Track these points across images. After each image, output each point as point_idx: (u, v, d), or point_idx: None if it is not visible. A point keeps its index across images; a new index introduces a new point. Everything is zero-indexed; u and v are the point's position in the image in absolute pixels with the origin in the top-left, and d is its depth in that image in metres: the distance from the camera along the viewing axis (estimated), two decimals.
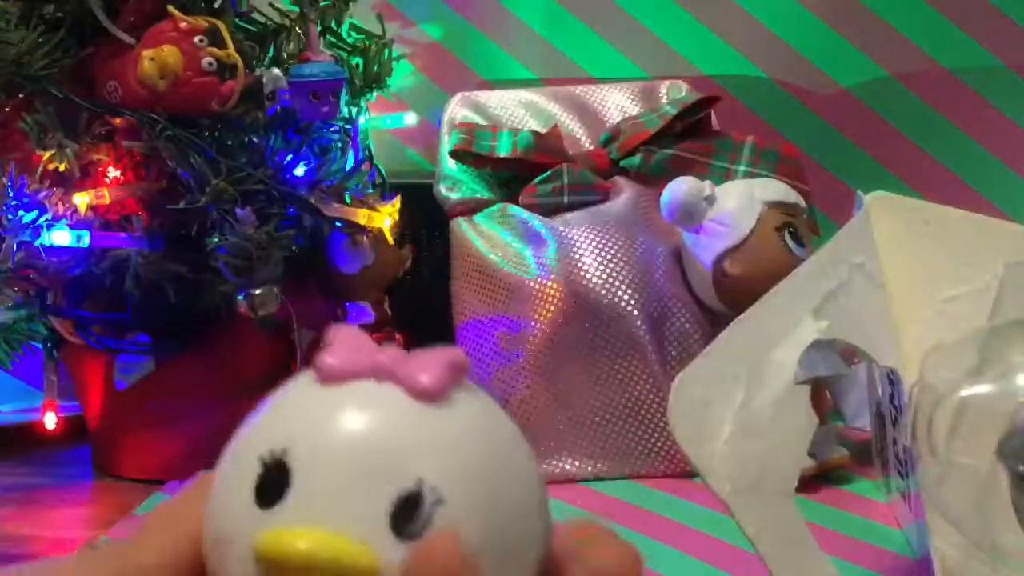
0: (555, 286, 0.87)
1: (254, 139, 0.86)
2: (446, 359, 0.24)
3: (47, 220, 0.81)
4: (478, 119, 1.01)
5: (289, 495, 0.22)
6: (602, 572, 0.24)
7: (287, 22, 0.94)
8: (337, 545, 0.21)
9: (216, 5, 0.89)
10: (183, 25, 0.82)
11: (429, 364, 0.23)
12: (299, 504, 0.22)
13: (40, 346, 0.91)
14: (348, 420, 0.23)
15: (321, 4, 0.95)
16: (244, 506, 0.23)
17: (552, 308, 0.87)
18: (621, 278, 0.87)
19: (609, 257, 0.87)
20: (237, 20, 0.90)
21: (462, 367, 0.24)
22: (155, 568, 0.25)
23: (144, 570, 0.25)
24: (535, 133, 0.96)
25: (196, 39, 0.81)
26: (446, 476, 0.22)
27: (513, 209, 0.93)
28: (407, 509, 0.22)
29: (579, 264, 0.87)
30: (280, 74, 0.87)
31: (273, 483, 0.22)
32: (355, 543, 0.22)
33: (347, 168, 0.93)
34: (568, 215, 0.91)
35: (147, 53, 0.81)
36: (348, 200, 0.88)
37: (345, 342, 0.24)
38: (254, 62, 0.90)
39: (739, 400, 0.50)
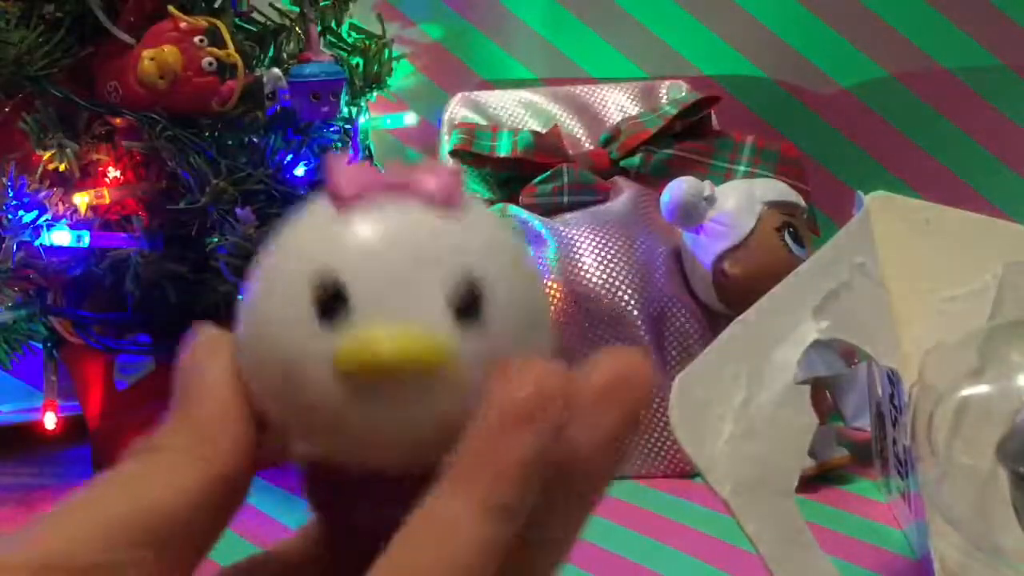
0: (555, 286, 0.87)
1: (254, 139, 0.86)
2: (447, 169, 0.25)
3: (47, 220, 0.81)
4: (478, 119, 1.01)
5: (351, 308, 0.23)
6: (610, 372, 0.25)
7: (287, 22, 0.94)
8: (412, 336, 0.22)
9: (216, 5, 0.89)
10: (183, 25, 0.82)
11: (437, 174, 0.24)
12: (364, 313, 0.23)
13: (40, 346, 0.91)
14: (383, 231, 0.24)
15: (321, 4, 0.95)
16: (308, 329, 0.23)
17: (552, 308, 0.87)
18: (621, 278, 0.87)
19: (609, 257, 0.87)
20: (237, 20, 0.90)
21: (461, 174, 0.25)
22: (232, 444, 0.24)
23: (225, 444, 0.24)
24: (535, 133, 0.96)
25: (196, 39, 0.81)
26: (490, 263, 0.24)
27: (513, 209, 0.93)
28: (461, 297, 0.23)
29: (579, 264, 0.87)
30: (280, 74, 0.87)
31: (332, 302, 0.23)
32: (429, 332, 0.23)
33: None
34: (568, 215, 0.91)
35: (147, 53, 0.81)
36: None
37: (345, 168, 0.25)
38: (254, 62, 0.90)
39: (740, 400, 0.50)
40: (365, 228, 0.24)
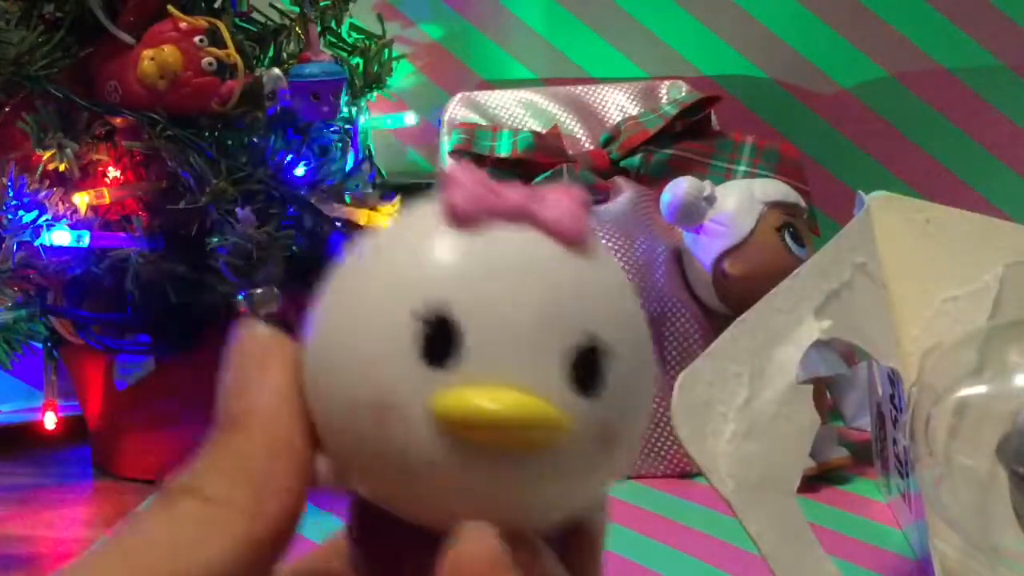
0: None
1: (254, 139, 0.86)
2: (578, 199, 0.22)
3: (47, 220, 0.81)
4: (478, 119, 1.01)
5: (463, 352, 0.20)
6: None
7: (287, 22, 0.94)
8: (526, 403, 0.20)
9: (216, 5, 0.89)
10: (183, 25, 0.82)
11: (566, 205, 0.22)
12: (478, 362, 0.20)
13: (40, 346, 0.91)
14: (516, 269, 0.21)
15: (321, 4, 0.95)
16: (407, 365, 0.20)
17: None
18: None
19: None
20: (237, 20, 0.90)
21: (589, 205, 0.22)
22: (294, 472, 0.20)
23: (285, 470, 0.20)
24: (535, 133, 0.96)
25: (196, 39, 0.81)
26: (612, 328, 0.21)
27: None
28: (583, 364, 0.21)
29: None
30: (280, 74, 0.87)
31: (439, 340, 0.20)
32: (542, 400, 0.20)
33: (347, 168, 0.93)
34: None
35: (147, 53, 0.81)
36: (348, 200, 0.88)
37: (467, 180, 0.22)
38: (254, 62, 0.90)
39: (742, 399, 0.50)
40: (488, 261, 0.21)
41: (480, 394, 0.20)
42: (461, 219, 0.21)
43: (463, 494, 0.20)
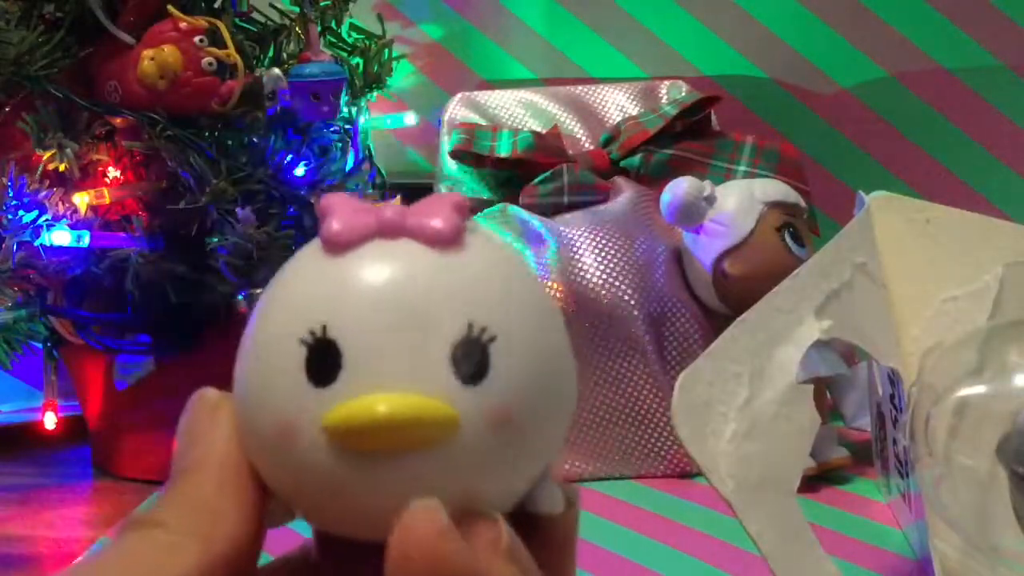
0: (555, 286, 0.87)
1: (254, 139, 0.86)
2: (448, 202, 0.23)
3: (47, 220, 0.81)
4: (478, 119, 1.01)
5: (345, 369, 0.21)
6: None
7: (287, 22, 0.94)
8: (413, 403, 0.21)
9: (216, 5, 0.89)
10: (183, 25, 0.82)
11: (435, 211, 0.23)
12: (358, 374, 0.21)
13: (40, 346, 0.91)
14: (380, 280, 0.22)
15: (321, 4, 0.95)
16: (300, 391, 0.21)
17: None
18: (621, 278, 0.87)
19: (609, 257, 0.87)
20: (237, 20, 0.90)
21: (464, 207, 0.23)
22: (236, 515, 0.22)
23: (229, 530, 0.22)
24: (535, 133, 0.96)
25: (196, 39, 0.81)
26: (492, 315, 0.22)
27: (513, 209, 0.93)
28: (465, 354, 0.21)
29: (579, 264, 0.87)
30: (280, 74, 0.87)
31: (323, 361, 0.21)
32: (429, 398, 0.21)
33: (347, 168, 0.93)
34: (568, 215, 0.91)
35: (147, 53, 0.81)
36: None
37: (341, 207, 0.23)
38: (254, 62, 0.90)
39: (742, 399, 0.50)
40: (359, 278, 0.22)
41: (361, 403, 0.21)
42: (337, 244, 0.22)
43: (374, 502, 0.21)
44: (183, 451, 0.24)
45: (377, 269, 0.22)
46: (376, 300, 0.22)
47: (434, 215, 0.22)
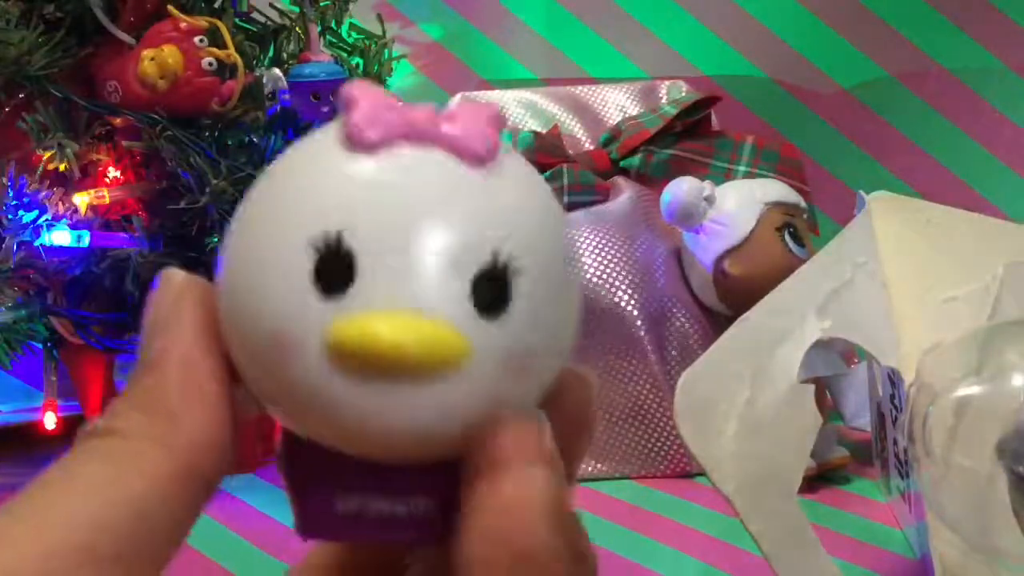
0: None
1: (254, 139, 0.86)
2: (485, 116, 0.21)
3: (47, 220, 0.81)
4: None
5: (356, 282, 0.20)
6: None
7: (287, 22, 0.94)
8: (423, 327, 0.19)
9: (216, 5, 0.89)
10: (183, 25, 0.82)
11: (471, 123, 0.21)
12: (371, 289, 0.20)
13: (40, 346, 0.91)
14: (409, 194, 0.20)
15: (321, 4, 0.95)
16: (303, 299, 0.20)
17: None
18: (621, 278, 0.87)
19: (609, 257, 0.87)
20: (237, 20, 0.90)
21: (502, 121, 0.21)
22: (206, 441, 0.20)
23: (197, 440, 0.20)
24: (535, 133, 0.96)
25: (196, 39, 0.81)
26: (520, 245, 0.20)
27: None
28: (488, 284, 0.20)
29: (579, 264, 0.87)
30: (280, 74, 0.87)
31: (333, 270, 0.20)
32: (441, 324, 0.19)
33: None
34: (568, 215, 0.91)
35: (147, 53, 0.81)
36: None
37: (369, 100, 0.21)
38: (254, 62, 0.90)
39: (744, 398, 0.50)
40: (385, 186, 0.20)
41: (374, 320, 0.19)
42: (360, 141, 0.21)
43: (368, 428, 0.20)
44: (145, 344, 0.21)
45: (406, 180, 0.20)
46: (399, 215, 0.20)
47: (471, 129, 0.21)
